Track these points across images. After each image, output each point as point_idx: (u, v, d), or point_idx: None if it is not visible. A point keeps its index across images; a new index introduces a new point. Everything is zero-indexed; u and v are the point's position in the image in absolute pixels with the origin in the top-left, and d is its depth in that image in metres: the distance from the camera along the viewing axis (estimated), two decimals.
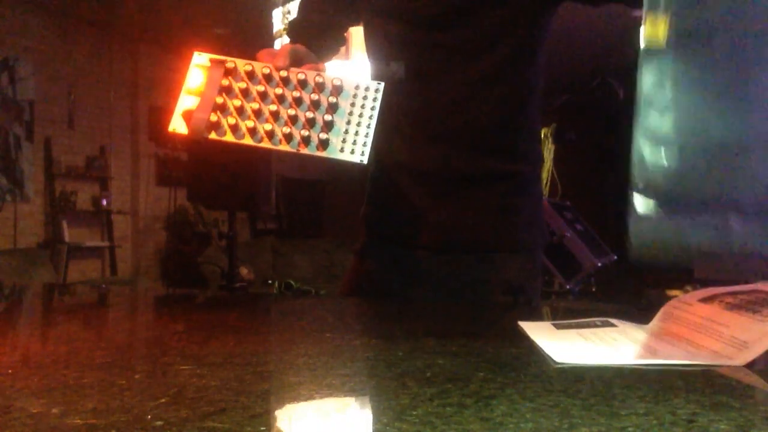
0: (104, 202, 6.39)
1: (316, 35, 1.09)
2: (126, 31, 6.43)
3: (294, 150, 0.77)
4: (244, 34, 5.99)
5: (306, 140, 0.77)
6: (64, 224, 5.95)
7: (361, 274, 1.15)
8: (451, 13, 0.97)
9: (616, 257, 3.61)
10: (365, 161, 0.76)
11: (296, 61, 0.83)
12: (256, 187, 3.26)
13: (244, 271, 4.91)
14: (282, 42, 2.58)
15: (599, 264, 3.31)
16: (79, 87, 6.20)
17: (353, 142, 0.76)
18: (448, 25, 0.98)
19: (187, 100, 0.79)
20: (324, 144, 0.77)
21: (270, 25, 2.70)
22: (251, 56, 0.83)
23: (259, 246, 5.64)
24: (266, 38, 2.82)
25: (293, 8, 2.56)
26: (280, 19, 2.64)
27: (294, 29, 1.13)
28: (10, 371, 0.53)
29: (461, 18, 0.97)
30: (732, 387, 0.49)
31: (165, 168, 6.85)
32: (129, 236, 6.80)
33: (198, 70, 0.81)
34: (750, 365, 0.51)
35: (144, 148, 6.84)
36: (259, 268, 5.15)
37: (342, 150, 0.76)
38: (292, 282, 4.65)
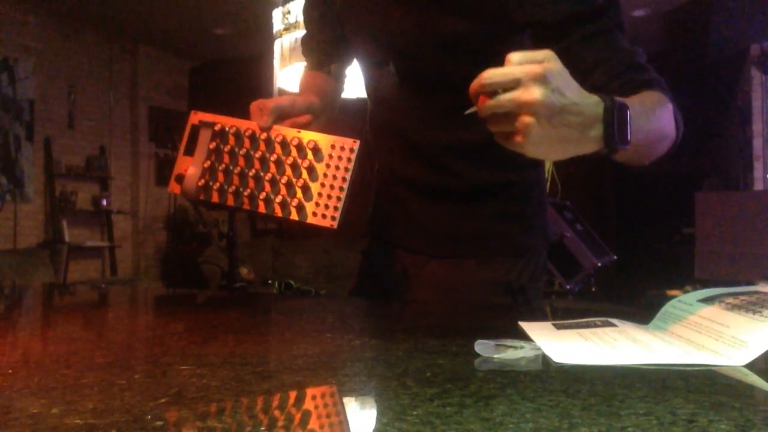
0: (104, 202, 6.39)
1: (329, 48, 1.10)
2: (126, 31, 6.42)
3: (270, 213, 0.83)
4: (244, 34, 6.00)
5: (282, 204, 0.82)
6: (64, 224, 5.94)
7: (366, 274, 1.17)
8: (416, 41, 0.93)
9: (615, 257, 3.60)
10: (335, 226, 0.80)
11: (281, 117, 0.86)
12: None
13: (244, 271, 4.90)
14: (283, 41, 2.58)
15: (599, 264, 3.31)
16: (79, 87, 6.20)
17: (325, 207, 0.80)
18: (414, 54, 0.95)
19: (182, 162, 0.88)
20: (298, 209, 0.81)
21: (270, 25, 2.70)
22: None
23: (259, 246, 5.63)
24: (266, 38, 2.81)
25: (293, 8, 2.55)
26: (280, 19, 2.63)
27: (306, 45, 1.13)
28: (10, 371, 0.53)
29: (428, 49, 0.93)
30: (732, 387, 0.49)
31: (165, 168, 6.85)
32: (129, 236, 6.80)
33: (192, 130, 0.88)
34: (750, 365, 0.51)
35: (144, 148, 6.84)
36: (259, 268, 5.15)
37: (314, 214, 0.81)
38: (292, 282, 4.65)
